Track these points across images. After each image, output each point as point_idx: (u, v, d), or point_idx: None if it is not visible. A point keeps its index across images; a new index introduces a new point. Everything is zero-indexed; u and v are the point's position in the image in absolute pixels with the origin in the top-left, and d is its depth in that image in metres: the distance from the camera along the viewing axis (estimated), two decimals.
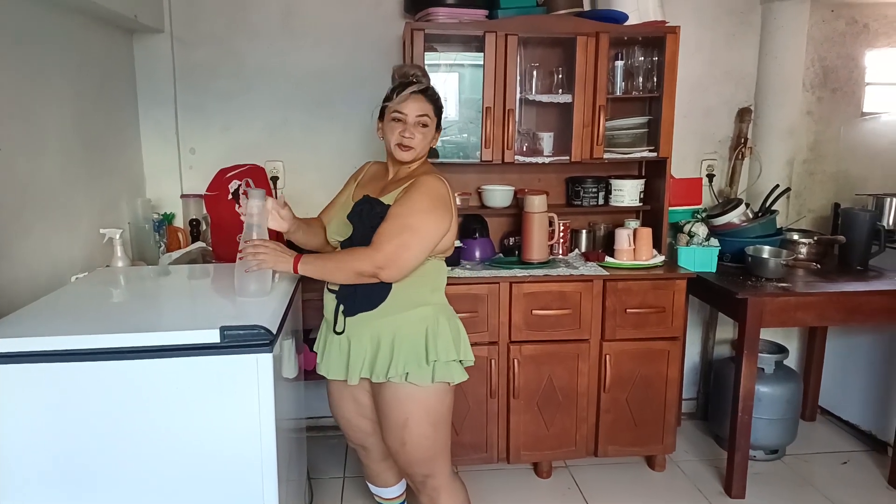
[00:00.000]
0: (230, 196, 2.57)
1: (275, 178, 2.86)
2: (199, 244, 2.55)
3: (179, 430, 1.47)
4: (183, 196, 2.81)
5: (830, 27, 3.07)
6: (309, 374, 2.52)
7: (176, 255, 2.47)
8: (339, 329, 1.84)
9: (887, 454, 2.83)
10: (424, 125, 1.82)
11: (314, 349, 2.13)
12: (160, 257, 2.57)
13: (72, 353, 1.40)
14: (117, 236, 2.21)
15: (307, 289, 2.30)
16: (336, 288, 1.83)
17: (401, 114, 1.80)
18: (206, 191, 2.64)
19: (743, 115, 3.05)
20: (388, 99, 1.85)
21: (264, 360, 1.50)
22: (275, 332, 1.53)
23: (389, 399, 1.83)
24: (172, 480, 1.48)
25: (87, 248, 2.25)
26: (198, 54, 2.78)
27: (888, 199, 2.98)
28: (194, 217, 2.75)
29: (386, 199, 1.82)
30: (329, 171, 2.94)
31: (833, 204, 3.18)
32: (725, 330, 3.24)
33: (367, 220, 1.78)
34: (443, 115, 1.90)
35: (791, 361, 3.18)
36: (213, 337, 1.46)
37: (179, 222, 2.83)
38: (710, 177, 3.11)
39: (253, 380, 1.50)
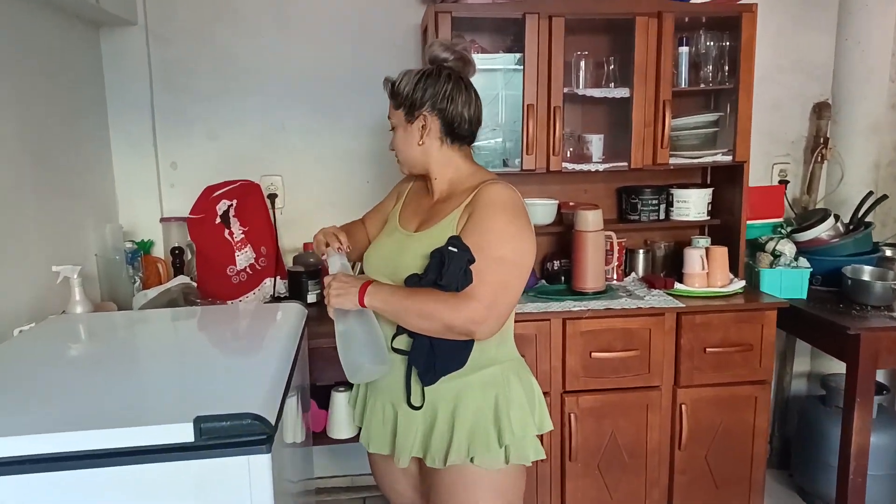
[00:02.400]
0: (218, 219, 2.12)
1: (272, 196, 2.40)
2: (182, 279, 2.09)
3: None
4: (163, 220, 2.34)
5: None
6: (318, 436, 2.07)
7: (152, 293, 2.02)
8: (417, 402, 1.39)
9: None
10: (392, 128, 1.48)
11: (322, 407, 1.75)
12: (134, 296, 2.11)
13: None
14: (74, 275, 1.75)
15: (314, 335, 1.83)
16: (403, 347, 1.37)
17: None
18: (190, 213, 2.19)
19: (821, 110, 2.60)
20: None
21: (259, 463, 1.04)
22: (274, 422, 1.07)
23: (451, 483, 1.39)
24: None
25: (37, 290, 1.79)
26: (178, 50, 2.33)
27: None
28: (177, 245, 2.29)
29: (443, 226, 1.37)
30: (335, 186, 2.49)
31: None
32: (802, 362, 2.77)
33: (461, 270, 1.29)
34: (423, 94, 1.40)
35: None
36: (185, 433, 1.01)
37: (160, 251, 2.37)
38: (783, 183, 2.65)
39: (244, 488, 1.04)
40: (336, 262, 1.48)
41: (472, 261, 1.28)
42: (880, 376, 2.71)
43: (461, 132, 1.43)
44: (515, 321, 1.93)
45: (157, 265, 2.30)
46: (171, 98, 2.35)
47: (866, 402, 1.97)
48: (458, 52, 1.43)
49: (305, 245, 2.43)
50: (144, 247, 2.30)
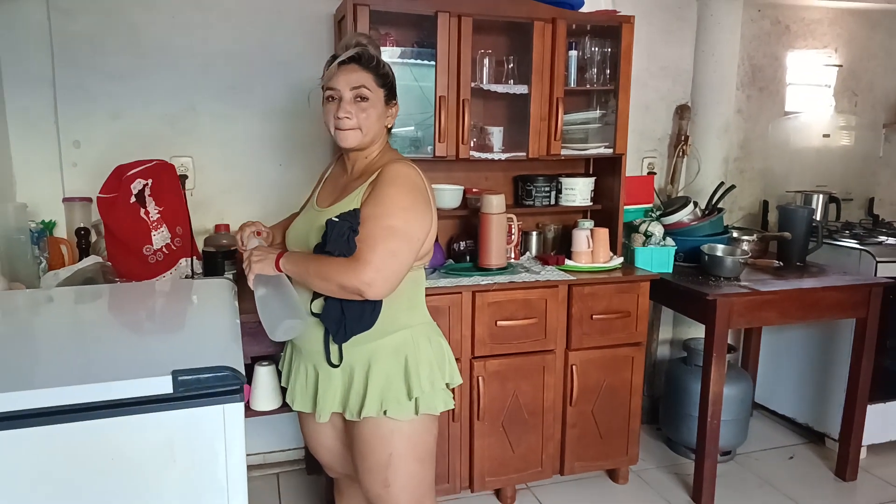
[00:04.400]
0: (133, 198, 2.10)
1: (183, 178, 2.39)
2: (94, 258, 2.07)
3: (127, 501, 1.08)
4: (66, 200, 2.28)
5: (758, 26, 3.11)
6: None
7: (65, 273, 1.98)
8: (335, 360, 1.52)
9: (825, 445, 2.89)
10: (363, 98, 1.50)
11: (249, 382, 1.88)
12: (40, 277, 2.06)
13: None
14: None
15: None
16: (318, 311, 1.50)
17: (332, 90, 1.51)
18: (100, 192, 2.14)
19: (682, 112, 3.00)
20: (328, 62, 1.56)
21: (233, 411, 1.14)
22: (244, 372, 1.18)
23: (368, 436, 1.55)
24: None
25: None
26: (82, 24, 2.27)
27: (815, 196, 3.06)
28: (82, 225, 2.23)
29: (348, 201, 1.51)
30: (246, 169, 2.54)
31: (761, 201, 3.23)
32: (665, 330, 3.19)
33: (343, 238, 1.44)
34: (395, 83, 1.58)
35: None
36: (163, 386, 1.09)
37: (62, 232, 2.30)
38: (651, 174, 3.03)
39: (219, 435, 1.14)
40: (254, 244, 1.63)
41: (355, 230, 1.42)
42: (729, 338, 3.19)
43: None
44: (430, 294, 2.12)
45: (61, 246, 2.23)
46: (74, 74, 2.28)
47: (721, 356, 2.35)
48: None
49: (217, 227, 2.45)
50: (47, 227, 2.23)
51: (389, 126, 1.59)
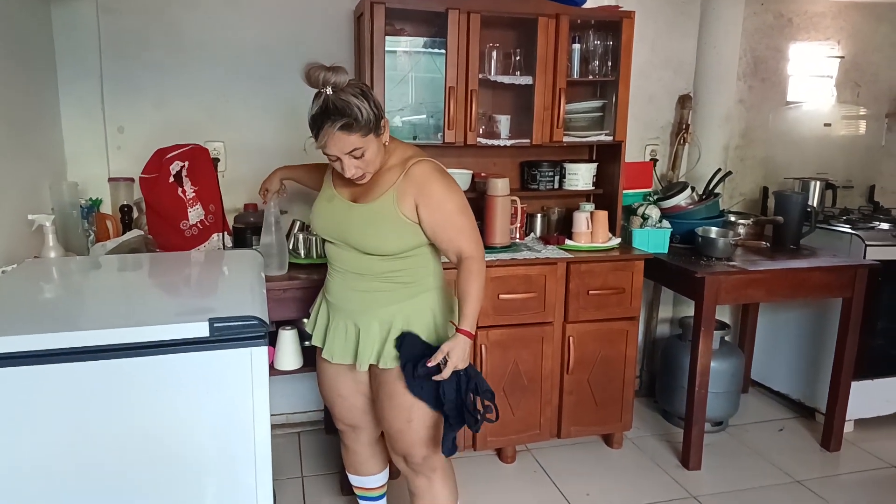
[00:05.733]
0: (171, 178, 2.34)
1: (215, 161, 2.64)
2: (138, 232, 2.31)
3: (165, 432, 1.31)
4: (111, 179, 2.53)
5: (760, 20, 3.23)
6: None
7: (111, 244, 2.22)
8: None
9: (815, 419, 3.05)
10: (359, 156, 1.63)
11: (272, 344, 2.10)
12: (89, 247, 2.31)
13: (40, 355, 1.20)
14: (48, 223, 1.96)
15: (269, 278, 2.14)
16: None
17: (329, 155, 1.65)
18: (142, 173, 2.39)
19: (684, 101, 3.15)
20: (311, 125, 1.63)
21: (259, 354, 1.36)
22: (269, 322, 1.40)
23: (397, 378, 1.77)
24: (159, 486, 1.32)
25: (8, 237, 1.97)
26: (127, 22, 2.51)
27: (812, 183, 3.19)
28: (125, 202, 2.48)
29: (381, 202, 1.69)
30: (274, 154, 2.74)
31: (762, 187, 3.37)
32: (665, 310, 3.35)
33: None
34: (376, 106, 1.64)
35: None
36: (200, 331, 1.31)
37: (107, 208, 2.55)
38: (654, 161, 3.19)
39: (246, 375, 1.36)
40: (270, 208, 2.18)
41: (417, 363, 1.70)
42: (724, 315, 3.35)
43: None
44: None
45: (107, 221, 2.48)
46: (119, 67, 2.52)
47: (709, 330, 2.52)
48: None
49: (245, 205, 2.69)
50: (95, 204, 2.48)
51: (386, 141, 1.71)
